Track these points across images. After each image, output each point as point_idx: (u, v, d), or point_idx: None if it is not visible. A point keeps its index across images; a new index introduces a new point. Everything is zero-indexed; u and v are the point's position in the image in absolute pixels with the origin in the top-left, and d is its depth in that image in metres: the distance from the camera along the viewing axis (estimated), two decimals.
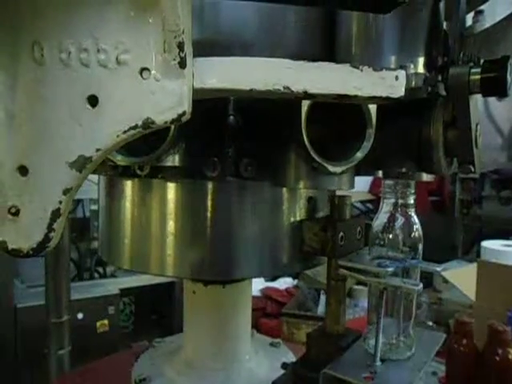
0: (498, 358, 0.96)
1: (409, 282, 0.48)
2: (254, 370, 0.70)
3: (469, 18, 0.84)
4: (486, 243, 2.30)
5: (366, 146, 0.44)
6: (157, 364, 0.74)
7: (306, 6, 0.36)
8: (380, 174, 0.55)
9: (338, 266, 0.50)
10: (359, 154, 0.44)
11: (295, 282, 2.58)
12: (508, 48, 0.67)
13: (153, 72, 0.29)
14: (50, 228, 0.29)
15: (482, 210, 3.41)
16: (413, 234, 0.55)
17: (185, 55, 0.28)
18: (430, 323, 1.97)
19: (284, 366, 0.61)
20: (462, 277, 1.97)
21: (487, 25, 0.79)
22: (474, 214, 3.45)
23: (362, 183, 3.87)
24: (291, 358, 0.75)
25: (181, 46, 0.28)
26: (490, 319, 1.10)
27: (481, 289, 1.55)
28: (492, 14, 0.81)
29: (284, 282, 2.59)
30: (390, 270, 0.47)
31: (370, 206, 4.03)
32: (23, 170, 0.29)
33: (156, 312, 2.76)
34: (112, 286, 2.41)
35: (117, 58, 0.29)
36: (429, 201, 3.79)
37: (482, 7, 0.82)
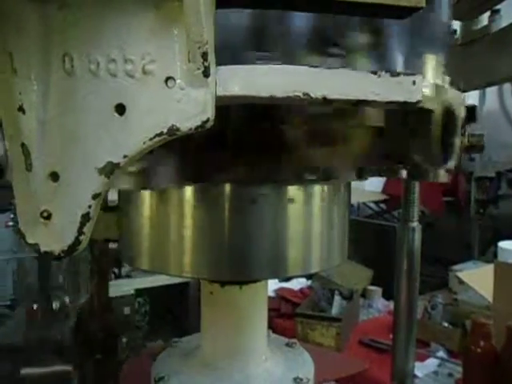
0: None
1: None
2: (270, 369, 0.71)
3: (485, 18, 0.83)
4: (502, 244, 2.27)
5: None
6: (175, 363, 0.76)
7: (324, 13, 0.36)
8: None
9: None
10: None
11: (309, 282, 2.58)
12: None
13: (178, 81, 0.30)
14: (80, 231, 0.31)
15: (498, 209, 3.36)
16: None
17: (208, 64, 0.29)
18: (446, 324, 1.95)
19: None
20: (478, 278, 1.95)
21: (504, 24, 0.78)
22: (490, 214, 3.40)
23: (376, 183, 3.85)
24: (307, 358, 0.75)
25: (205, 56, 0.29)
26: (509, 321, 1.08)
27: (498, 290, 1.53)
28: (509, 13, 0.81)
29: (298, 283, 2.59)
30: None
31: (383, 206, 4.00)
32: (54, 176, 0.31)
33: (171, 312, 2.79)
34: (127, 287, 2.44)
35: (143, 68, 0.30)
36: (443, 201, 3.75)
37: (498, 6, 0.82)
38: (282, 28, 0.39)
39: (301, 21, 0.39)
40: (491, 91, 3.13)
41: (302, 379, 0.68)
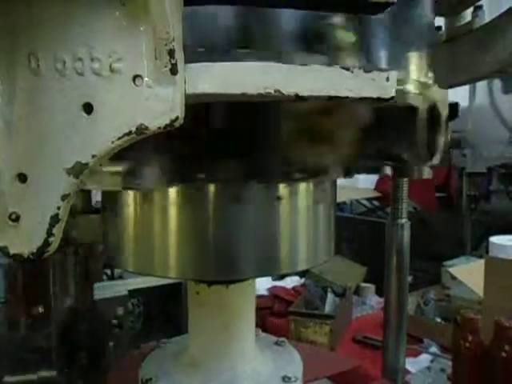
0: (504, 354, 0.96)
1: None
2: (259, 368, 0.71)
3: (468, 14, 0.83)
4: (494, 239, 2.29)
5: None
6: (163, 364, 0.75)
7: (297, 9, 0.36)
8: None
9: None
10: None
11: (302, 280, 2.58)
12: (506, 44, 0.67)
13: (145, 79, 0.29)
14: (49, 233, 0.30)
15: (490, 205, 3.39)
16: None
17: (176, 62, 0.29)
18: (439, 320, 1.96)
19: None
20: (469, 273, 1.96)
21: (487, 20, 0.78)
22: (481, 210, 3.42)
23: (369, 180, 3.86)
24: (295, 356, 0.75)
25: (171, 54, 0.28)
26: (498, 315, 1.09)
27: (489, 285, 1.54)
28: (496, 10, 0.80)
29: (291, 281, 2.59)
30: None
31: (376, 203, 4.01)
32: (22, 178, 0.30)
33: (165, 312, 2.77)
34: (120, 288, 2.42)
35: (110, 66, 0.29)
36: (436, 197, 3.77)
37: (481, 2, 0.82)
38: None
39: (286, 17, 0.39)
40: (481, 87, 3.15)
41: (290, 378, 0.68)
